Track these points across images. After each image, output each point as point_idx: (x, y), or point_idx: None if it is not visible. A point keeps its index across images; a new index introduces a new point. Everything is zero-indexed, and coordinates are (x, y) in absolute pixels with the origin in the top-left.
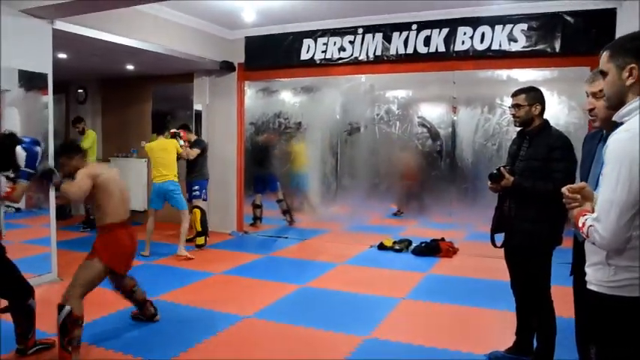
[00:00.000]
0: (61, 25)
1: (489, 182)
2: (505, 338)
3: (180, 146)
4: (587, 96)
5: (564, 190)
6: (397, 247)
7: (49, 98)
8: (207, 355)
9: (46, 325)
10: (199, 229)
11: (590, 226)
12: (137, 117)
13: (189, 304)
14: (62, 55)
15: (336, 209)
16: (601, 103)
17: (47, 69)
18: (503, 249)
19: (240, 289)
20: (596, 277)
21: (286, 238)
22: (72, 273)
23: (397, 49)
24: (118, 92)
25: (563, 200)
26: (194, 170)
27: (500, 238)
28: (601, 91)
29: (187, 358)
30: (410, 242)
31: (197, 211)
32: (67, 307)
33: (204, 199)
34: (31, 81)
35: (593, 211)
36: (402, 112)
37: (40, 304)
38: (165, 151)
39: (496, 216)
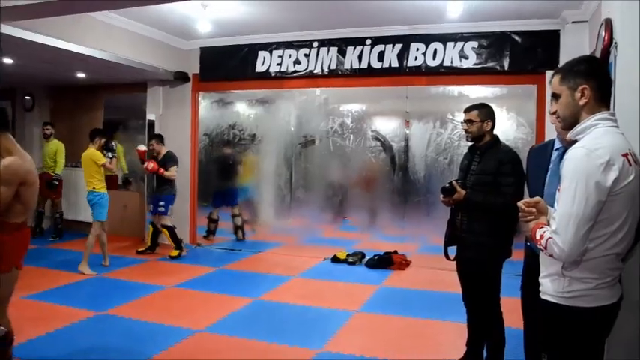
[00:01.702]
0: (8, 29)
1: (442, 196)
2: (456, 349)
3: (110, 159)
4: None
5: (520, 204)
6: (351, 259)
7: None
8: None
9: None
10: (173, 244)
11: (549, 238)
12: (88, 126)
13: (140, 317)
14: (8, 61)
15: (289, 222)
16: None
17: None
18: (455, 261)
19: (192, 302)
20: (551, 288)
21: (240, 250)
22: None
23: (352, 64)
24: (68, 100)
25: (519, 214)
26: (163, 184)
27: (453, 250)
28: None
29: None
30: (363, 255)
31: (165, 231)
32: (2, 328)
33: (168, 215)
34: None
35: (548, 224)
36: (356, 126)
37: None
38: (85, 162)
39: (449, 229)
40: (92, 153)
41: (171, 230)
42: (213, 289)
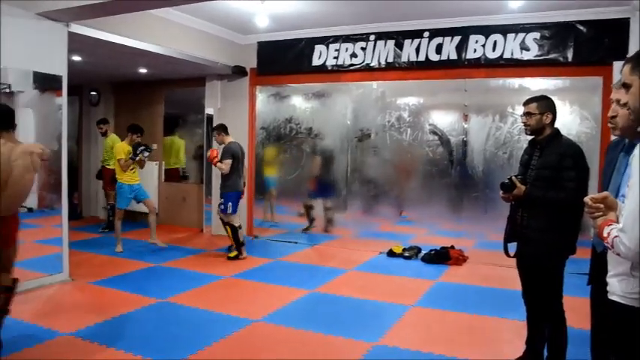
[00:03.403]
0: (77, 28)
1: (501, 192)
2: (515, 348)
3: (133, 159)
4: (612, 102)
5: (587, 199)
6: (406, 254)
7: (63, 100)
8: (216, 358)
9: (60, 325)
10: (233, 244)
11: (616, 236)
12: (149, 120)
13: (199, 306)
14: (76, 58)
15: (345, 215)
16: (624, 112)
17: (62, 71)
18: (515, 258)
19: (249, 292)
20: (619, 288)
21: (296, 243)
22: (84, 273)
23: (409, 56)
24: (131, 95)
25: (586, 210)
26: (223, 180)
27: (513, 247)
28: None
29: (199, 359)
30: (419, 249)
31: (228, 229)
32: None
33: (230, 213)
34: (46, 83)
35: (617, 221)
36: (413, 120)
37: (52, 303)
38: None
39: (509, 225)
40: (117, 146)
41: (234, 230)
42: (269, 281)
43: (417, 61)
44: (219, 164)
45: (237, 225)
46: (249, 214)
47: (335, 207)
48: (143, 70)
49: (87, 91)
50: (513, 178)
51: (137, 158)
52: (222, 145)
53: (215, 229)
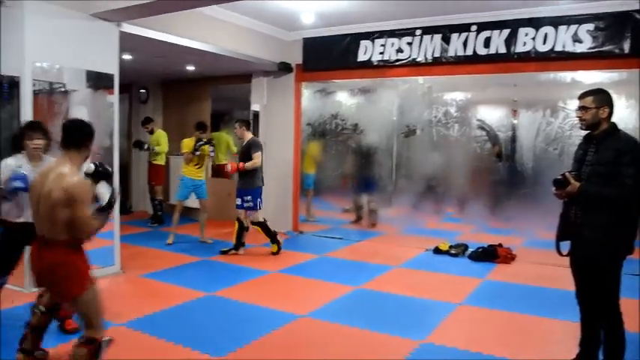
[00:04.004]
0: (127, 27)
1: (554, 188)
2: (567, 350)
3: (193, 154)
4: None
5: None
6: (453, 251)
7: (114, 98)
8: (263, 353)
9: (112, 316)
10: (269, 239)
11: None
12: (196, 116)
13: (246, 301)
14: (127, 57)
15: (391, 212)
16: None
17: (114, 70)
18: (569, 257)
19: (295, 288)
20: None
21: (341, 239)
22: (134, 266)
23: (456, 51)
24: (178, 92)
25: None
26: (245, 176)
27: (565, 246)
28: None
29: (244, 354)
30: (466, 247)
31: (258, 228)
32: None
33: (258, 209)
34: (98, 81)
35: None
36: (461, 115)
37: (104, 295)
38: None
39: (562, 223)
40: (184, 141)
41: (264, 226)
42: (315, 276)
43: (464, 56)
44: (248, 164)
45: (263, 219)
46: (295, 210)
47: (380, 203)
48: (190, 68)
49: (136, 89)
50: (567, 174)
51: (197, 153)
52: (243, 140)
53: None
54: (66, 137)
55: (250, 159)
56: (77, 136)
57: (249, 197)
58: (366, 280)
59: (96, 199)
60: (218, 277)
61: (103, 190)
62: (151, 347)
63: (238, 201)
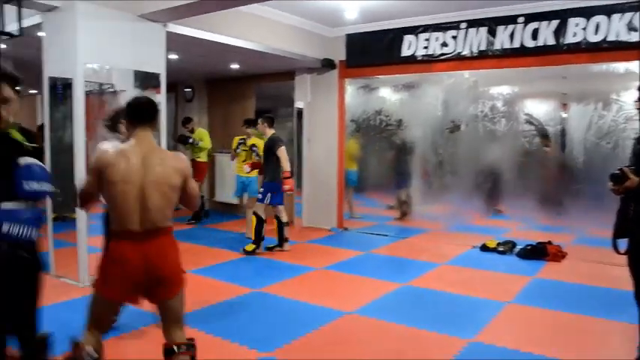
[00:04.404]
0: (173, 27)
1: (611, 183)
2: (625, 352)
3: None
4: None
5: None
6: (501, 248)
7: (161, 97)
8: (310, 349)
9: None
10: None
11: None
12: (241, 114)
13: (292, 297)
14: (173, 56)
15: (437, 208)
16: None
17: (161, 69)
18: (626, 256)
19: (341, 284)
20: None
21: (386, 235)
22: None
23: (502, 43)
24: (223, 90)
25: None
26: (273, 172)
27: (623, 244)
28: None
29: (291, 350)
30: (514, 244)
31: (253, 218)
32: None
33: (265, 202)
34: (146, 81)
35: None
36: (508, 109)
37: None
38: None
39: (619, 220)
40: (235, 138)
41: (259, 221)
42: (361, 273)
43: (511, 48)
44: (285, 163)
45: (262, 216)
46: (339, 207)
47: (425, 200)
48: (235, 66)
49: (182, 88)
50: (625, 168)
51: (238, 150)
52: (265, 136)
53: (306, 221)
54: (142, 114)
55: (273, 155)
56: (152, 112)
57: (262, 189)
58: (413, 278)
59: None
60: (264, 274)
61: None
62: (199, 342)
63: (259, 195)
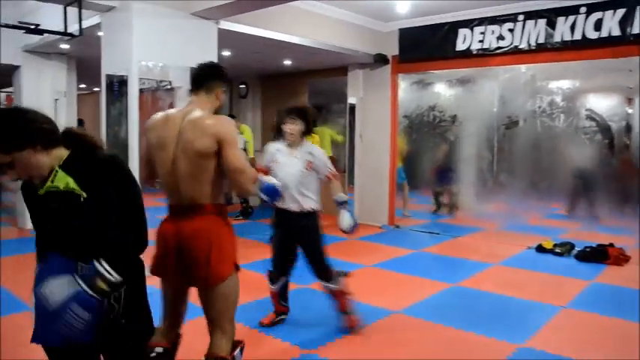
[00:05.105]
0: (225, 24)
1: None
2: None
3: None
4: None
5: None
6: (558, 250)
7: None
8: (353, 348)
9: None
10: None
11: None
12: None
13: None
14: (226, 53)
15: (491, 207)
16: None
17: None
18: None
19: (389, 283)
20: None
21: (437, 234)
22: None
23: (562, 36)
24: (276, 86)
25: None
26: None
27: None
28: None
29: (334, 348)
30: (572, 246)
31: None
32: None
33: None
34: None
35: None
36: (567, 104)
37: None
38: None
39: None
40: None
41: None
42: (410, 272)
43: (571, 41)
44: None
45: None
46: (391, 204)
47: (479, 198)
48: (287, 62)
49: (236, 84)
50: None
51: None
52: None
53: (358, 218)
54: (192, 80)
55: None
56: (203, 76)
57: None
58: (463, 278)
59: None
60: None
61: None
62: (240, 336)
63: None
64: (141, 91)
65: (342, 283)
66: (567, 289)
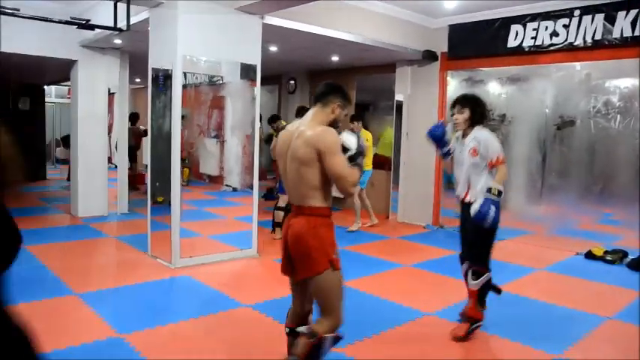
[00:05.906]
0: (270, 19)
1: None
2: None
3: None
4: None
5: None
6: (609, 257)
7: (257, 88)
8: (380, 349)
9: (242, 296)
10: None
11: None
12: None
13: (373, 293)
14: (273, 49)
15: (540, 210)
16: None
17: (256, 61)
18: None
19: (425, 284)
20: None
21: None
22: (269, 250)
23: (622, 31)
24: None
25: None
26: None
27: None
28: None
29: (362, 347)
30: (625, 254)
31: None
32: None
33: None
34: (243, 72)
35: None
36: (625, 105)
37: (238, 276)
38: None
39: None
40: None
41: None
42: (449, 273)
43: (632, 37)
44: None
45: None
46: (437, 203)
47: (528, 200)
48: (335, 58)
49: (285, 80)
50: None
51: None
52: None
53: (401, 217)
54: (315, 94)
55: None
56: (323, 93)
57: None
58: (505, 282)
59: (343, 149)
60: (351, 268)
61: (349, 138)
62: (269, 330)
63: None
64: (184, 85)
65: (480, 285)
66: (615, 299)
